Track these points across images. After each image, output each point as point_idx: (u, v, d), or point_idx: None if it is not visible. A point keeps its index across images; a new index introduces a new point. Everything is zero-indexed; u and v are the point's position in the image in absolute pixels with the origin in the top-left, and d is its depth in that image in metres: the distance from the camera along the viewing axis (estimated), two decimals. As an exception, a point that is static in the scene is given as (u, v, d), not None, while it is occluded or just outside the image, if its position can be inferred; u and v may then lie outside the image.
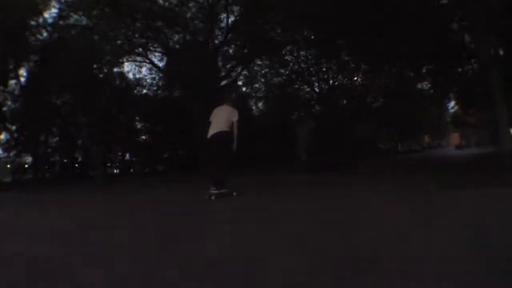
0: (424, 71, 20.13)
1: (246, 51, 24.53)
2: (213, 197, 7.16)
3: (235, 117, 7.58)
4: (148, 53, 24.13)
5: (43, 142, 28.77)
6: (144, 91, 28.45)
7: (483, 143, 38.74)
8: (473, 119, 35.61)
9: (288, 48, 26.73)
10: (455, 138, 55.41)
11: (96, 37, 21.68)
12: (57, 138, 29.86)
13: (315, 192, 7.75)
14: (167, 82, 26.36)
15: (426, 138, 55.71)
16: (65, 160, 30.64)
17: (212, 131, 7.51)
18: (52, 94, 26.09)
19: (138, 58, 25.30)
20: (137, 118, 30.15)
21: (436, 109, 34.41)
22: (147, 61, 24.75)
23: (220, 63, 24.78)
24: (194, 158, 23.36)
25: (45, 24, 23.37)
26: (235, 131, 7.51)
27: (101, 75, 25.83)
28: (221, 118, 7.54)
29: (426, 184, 7.24)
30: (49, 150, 29.68)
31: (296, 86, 30.80)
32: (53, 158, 30.35)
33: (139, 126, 30.98)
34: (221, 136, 7.41)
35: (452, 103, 31.89)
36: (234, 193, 7.52)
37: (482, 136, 40.55)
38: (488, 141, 34.63)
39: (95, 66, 23.76)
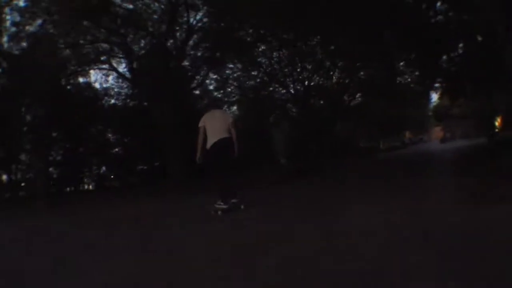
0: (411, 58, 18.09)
1: (215, 53, 22.98)
2: (219, 212, 6.48)
3: (230, 118, 7.12)
4: (113, 60, 22.24)
5: (16, 159, 26.59)
6: (112, 101, 26.46)
7: (468, 135, 37.10)
8: (456, 110, 34.28)
9: (260, 49, 25.25)
10: (437, 131, 54.19)
11: (60, 45, 20.06)
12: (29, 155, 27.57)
13: (325, 205, 6.34)
14: (134, 90, 24.40)
15: (408, 134, 54.30)
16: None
17: (212, 139, 6.78)
18: (21, 108, 23.92)
19: (104, 66, 23.24)
20: (108, 129, 28.05)
21: (418, 103, 32.53)
22: (113, 69, 22.75)
23: (188, 67, 23.10)
24: (164, 169, 21.49)
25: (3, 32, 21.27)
26: (234, 132, 6.89)
27: (68, 86, 24.43)
28: (218, 123, 6.91)
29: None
30: (23, 167, 27.58)
31: (271, 88, 29.03)
32: (28, 175, 28.19)
33: (111, 138, 28.89)
34: (223, 144, 6.74)
35: (436, 95, 29.93)
36: (242, 206, 6.79)
37: (467, 128, 38.89)
38: (474, 132, 33.16)
39: (61, 76, 22.49)
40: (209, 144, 6.80)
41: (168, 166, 20.02)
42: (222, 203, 6.57)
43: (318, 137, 26.43)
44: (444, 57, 16.55)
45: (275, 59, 26.30)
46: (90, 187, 30.62)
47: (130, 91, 25.31)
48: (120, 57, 21.89)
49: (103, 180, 30.20)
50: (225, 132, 6.82)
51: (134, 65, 21.79)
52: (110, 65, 22.21)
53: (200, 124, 6.95)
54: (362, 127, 34.84)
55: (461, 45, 15.72)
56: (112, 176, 30.11)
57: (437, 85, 22.24)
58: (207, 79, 25.57)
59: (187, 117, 21.45)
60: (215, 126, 6.86)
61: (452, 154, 17.07)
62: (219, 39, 20.93)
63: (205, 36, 21.75)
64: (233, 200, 6.72)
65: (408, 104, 28.90)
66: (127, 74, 22.96)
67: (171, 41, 21.48)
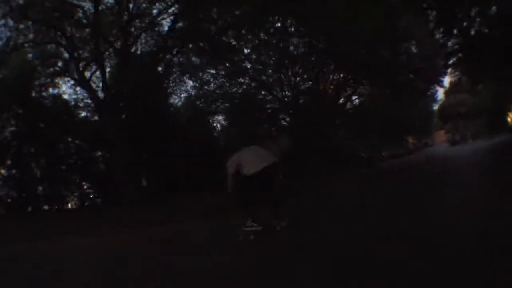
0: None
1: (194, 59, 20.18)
2: (252, 237, 5.14)
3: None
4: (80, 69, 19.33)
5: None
6: (84, 113, 23.34)
7: (479, 135, 32.79)
8: (462, 109, 30.53)
9: (245, 52, 22.29)
10: (441, 135, 50.38)
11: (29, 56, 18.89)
12: (13, 171, 24.73)
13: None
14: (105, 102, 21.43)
15: (411, 140, 49.76)
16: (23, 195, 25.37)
17: (257, 166, 5.37)
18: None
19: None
20: (84, 144, 25.03)
21: (422, 99, 28.00)
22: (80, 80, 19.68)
23: (162, 75, 20.09)
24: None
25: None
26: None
27: (41, 99, 21.89)
28: (261, 151, 5.76)
29: None
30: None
31: (260, 97, 25.60)
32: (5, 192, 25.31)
33: (90, 153, 25.86)
34: (272, 169, 5.48)
35: (449, 77, 25.08)
36: (278, 227, 5.39)
37: (477, 128, 34.44)
38: (485, 132, 29.15)
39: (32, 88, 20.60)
40: (251, 171, 5.41)
41: (120, 188, 16.79)
42: (254, 224, 5.31)
43: (311, 148, 22.72)
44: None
45: (261, 59, 23.11)
46: (72, 205, 27.62)
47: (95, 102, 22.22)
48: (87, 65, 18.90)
49: (86, 198, 27.17)
50: (272, 157, 5.71)
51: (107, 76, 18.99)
52: (74, 76, 19.15)
53: (230, 165, 5.57)
54: (361, 134, 30.83)
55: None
56: (93, 195, 26.96)
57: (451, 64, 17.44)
58: (183, 86, 22.49)
59: (153, 132, 18.42)
60: (258, 155, 5.65)
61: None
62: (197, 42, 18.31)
63: (182, 40, 18.81)
64: (283, 223, 5.43)
65: (416, 93, 24.12)
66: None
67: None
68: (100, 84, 17.96)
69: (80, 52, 17.83)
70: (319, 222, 5.98)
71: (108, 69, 19.86)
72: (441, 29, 12.91)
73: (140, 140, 17.80)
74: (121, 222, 9.85)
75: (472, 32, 12.33)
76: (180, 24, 18.52)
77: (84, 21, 16.83)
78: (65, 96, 23.08)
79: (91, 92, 18.00)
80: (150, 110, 18.48)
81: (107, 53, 18.67)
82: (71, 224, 11.01)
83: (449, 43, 13.98)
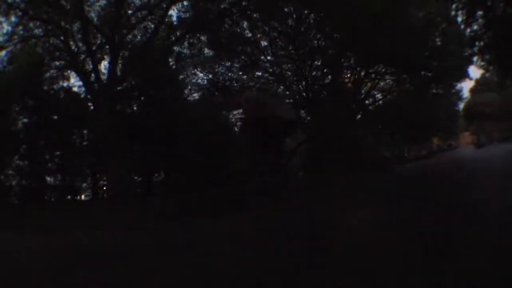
0: None
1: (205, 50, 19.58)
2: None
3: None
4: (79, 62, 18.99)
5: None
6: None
7: (508, 137, 30.58)
8: (489, 108, 28.80)
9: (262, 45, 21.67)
10: (467, 136, 48.34)
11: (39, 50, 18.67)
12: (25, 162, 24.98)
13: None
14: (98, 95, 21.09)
15: (435, 141, 47.83)
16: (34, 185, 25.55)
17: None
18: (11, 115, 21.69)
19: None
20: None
21: (447, 96, 26.28)
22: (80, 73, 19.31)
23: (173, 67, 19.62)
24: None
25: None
26: None
27: (51, 92, 21.59)
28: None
29: None
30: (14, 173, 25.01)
31: (279, 90, 24.66)
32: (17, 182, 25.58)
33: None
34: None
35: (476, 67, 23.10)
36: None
37: (504, 130, 32.22)
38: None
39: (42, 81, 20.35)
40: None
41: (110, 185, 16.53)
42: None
43: (336, 147, 21.60)
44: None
45: (280, 54, 22.23)
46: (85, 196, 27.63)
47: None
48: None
49: (100, 190, 27.10)
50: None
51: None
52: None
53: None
54: (383, 132, 29.39)
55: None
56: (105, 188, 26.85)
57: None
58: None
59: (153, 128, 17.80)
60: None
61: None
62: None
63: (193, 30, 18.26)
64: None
65: (440, 87, 22.62)
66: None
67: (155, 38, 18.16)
68: (104, 76, 17.69)
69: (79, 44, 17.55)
70: (323, 223, 5.27)
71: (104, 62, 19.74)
72: (464, 10, 11.80)
73: (137, 137, 17.36)
74: (123, 219, 9.43)
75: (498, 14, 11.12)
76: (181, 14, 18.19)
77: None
78: (76, 89, 23.02)
79: (89, 85, 17.70)
80: (148, 104, 18.07)
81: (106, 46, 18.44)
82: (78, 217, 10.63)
83: (474, 27, 12.76)
